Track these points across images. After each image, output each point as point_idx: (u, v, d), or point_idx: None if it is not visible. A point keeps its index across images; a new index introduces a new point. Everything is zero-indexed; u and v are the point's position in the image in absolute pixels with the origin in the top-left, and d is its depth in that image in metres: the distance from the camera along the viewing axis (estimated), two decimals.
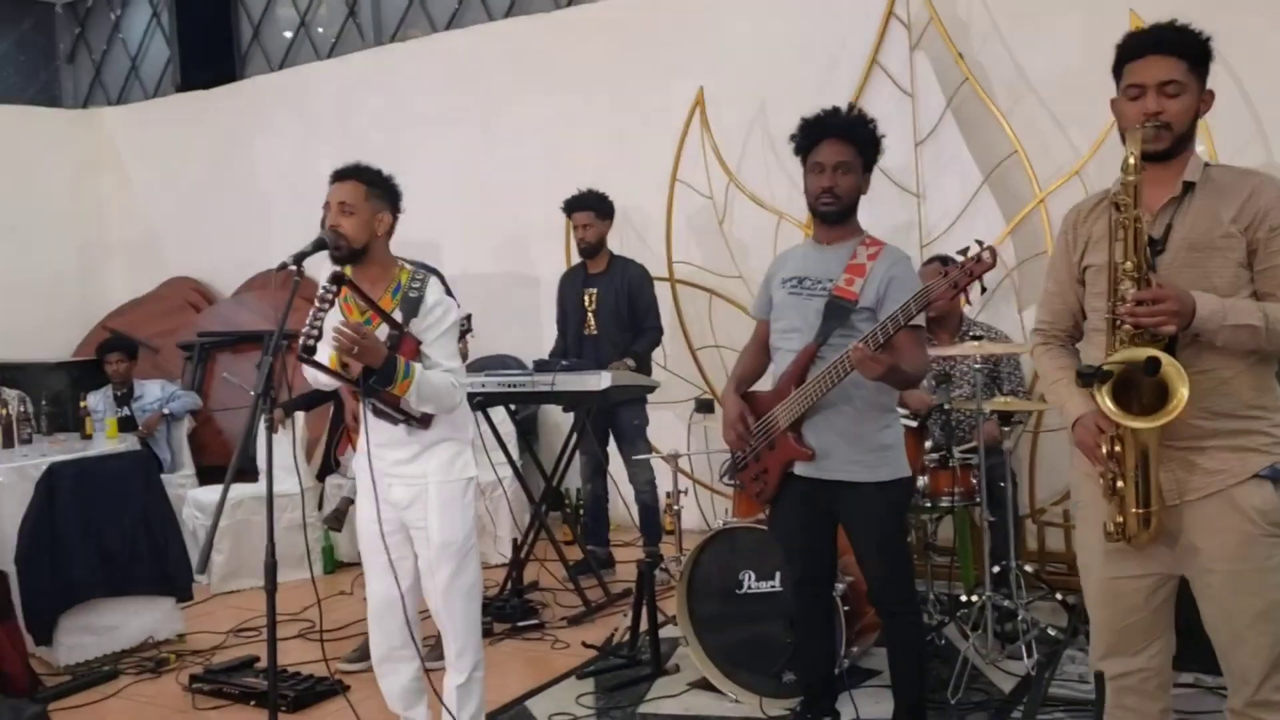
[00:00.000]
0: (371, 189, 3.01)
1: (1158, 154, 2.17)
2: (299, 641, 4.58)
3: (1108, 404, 2.08)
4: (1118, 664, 2.31)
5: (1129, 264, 2.10)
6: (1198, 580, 2.19)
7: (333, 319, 2.87)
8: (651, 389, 5.18)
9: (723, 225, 5.87)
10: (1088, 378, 2.10)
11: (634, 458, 5.24)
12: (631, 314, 5.34)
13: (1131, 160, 2.09)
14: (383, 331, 2.97)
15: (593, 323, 5.39)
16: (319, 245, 2.89)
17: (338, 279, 2.83)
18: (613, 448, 5.44)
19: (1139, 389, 2.09)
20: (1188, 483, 2.15)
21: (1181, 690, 3.38)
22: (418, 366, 2.93)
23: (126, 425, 6.08)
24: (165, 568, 4.56)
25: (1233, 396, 2.14)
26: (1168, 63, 2.15)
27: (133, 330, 7.52)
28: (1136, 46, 2.21)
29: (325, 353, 2.95)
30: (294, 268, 2.73)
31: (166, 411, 6.35)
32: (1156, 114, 2.15)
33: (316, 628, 4.30)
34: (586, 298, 5.41)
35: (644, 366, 5.31)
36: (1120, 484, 2.14)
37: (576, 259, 5.57)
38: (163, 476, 5.47)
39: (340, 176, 3.02)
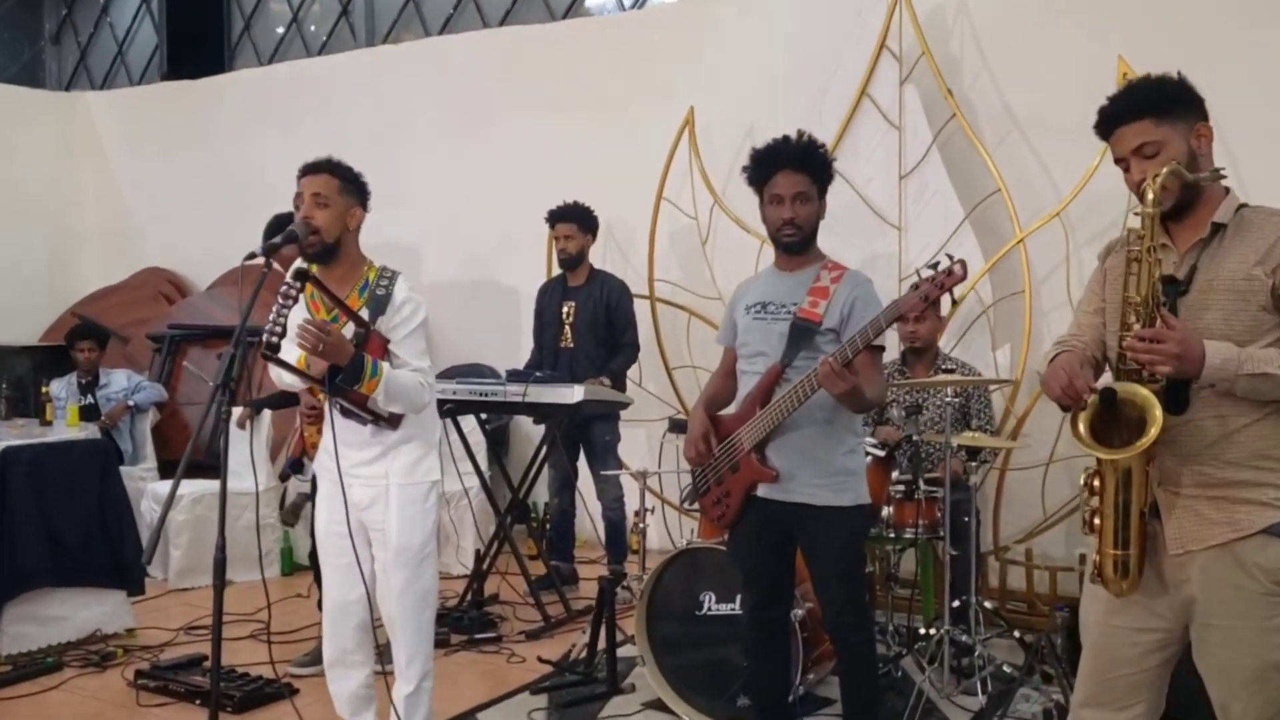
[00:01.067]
0: (345, 183, 2.99)
1: (1168, 212, 2.13)
2: (250, 642, 4.50)
3: (1080, 430, 2.04)
4: (1097, 715, 2.21)
5: (1137, 298, 2.06)
6: (1196, 633, 2.11)
7: (299, 317, 2.83)
8: (624, 405, 5.16)
9: (705, 246, 5.86)
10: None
11: (603, 473, 5.20)
12: (609, 329, 5.32)
13: (1150, 195, 2.06)
14: (350, 330, 2.93)
15: (569, 336, 5.36)
16: (290, 238, 2.85)
17: (302, 275, 2.78)
18: (582, 463, 5.40)
19: (1123, 423, 2.04)
20: (1192, 533, 2.07)
21: None
22: (385, 365, 2.89)
23: (89, 414, 5.99)
24: (118, 560, 4.47)
25: (1244, 445, 2.06)
26: (1135, 128, 2.15)
27: (102, 319, 7.42)
28: (1104, 124, 2.21)
29: (293, 352, 2.91)
30: (263, 259, 2.69)
31: (131, 403, 6.27)
32: (1140, 181, 2.13)
33: (269, 629, 4.23)
34: (565, 310, 5.38)
35: (618, 383, 5.28)
36: (1098, 521, 2.09)
37: (558, 271, 5.55)
38: (124, 469, 5.39)
39: (313, 169, 2.99)
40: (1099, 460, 2.06)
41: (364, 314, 2.95)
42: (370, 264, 3.08)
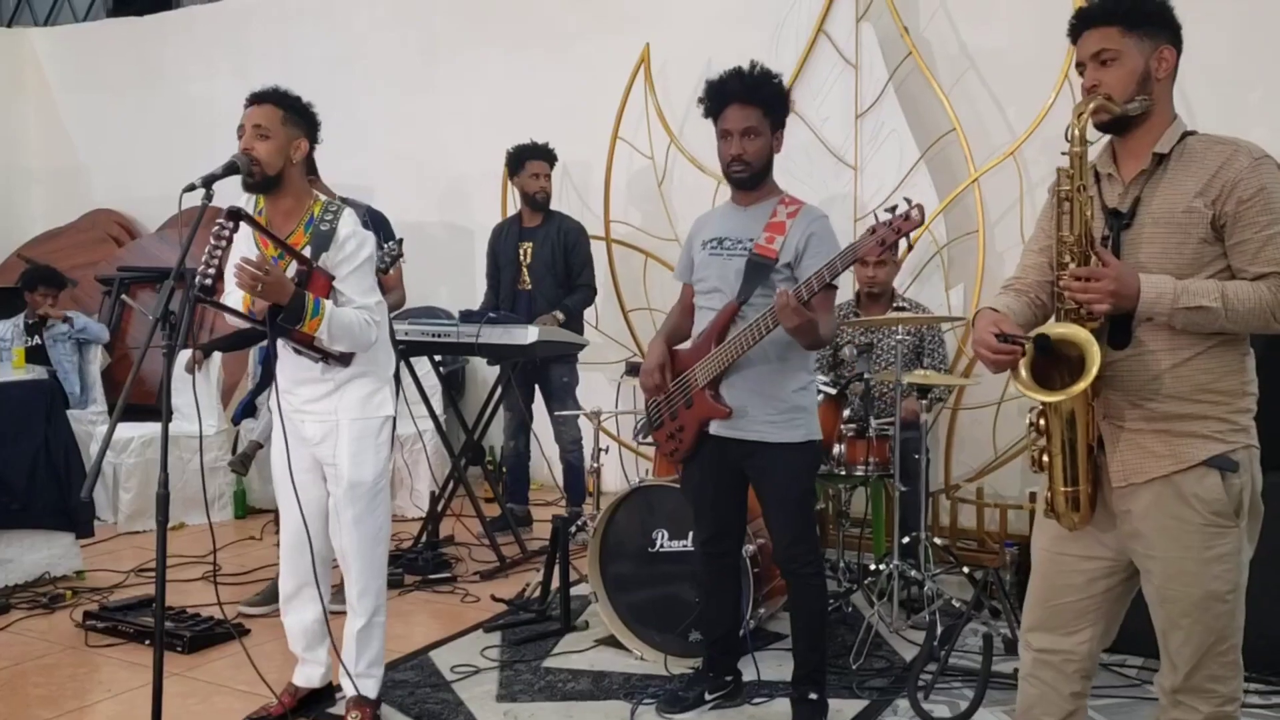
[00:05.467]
0: (289, 114, 2.92)
1: (1103, 125, 2.12)
2: (202, 584, 4.47)
3: (1022, 375, 2.04)
4: (1044, 639, 2.24)
5: (1070, 236, 2.05)
6: (1140, 564, 2.13)
7: (241, 254, 2.77)
8: (580, 347, 5.12)
9: (662, 187, 5.81)
10: (1006, 342, 2.06)
11: (558, 414, 5.18)
12: (566, 270, 5.26)
13: (1076, 132, 2.05)
14: (294, 268, 2.88)
15: (527, 278, 5.29)
16: (231, 169, 2.79)
17: (234, 214, 2.72)
18: (540, 406, 5.38)
19: (1064, 363, 2.04)
20: (1134, 465, 2.09)
21: None
22: (328, 304, 2.85)
23: (36, 355, 5.88)
24: (65, 502, 4.42)
25: (1187, 379, 2.05)
26: (1100, 33, 2.12)
27: (50, 261, 7.25)
28: (1075, 28, 2.18)
29: (237, 291, 2.86)
30: (202, 190, 2.63)
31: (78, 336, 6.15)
32: (1093, 87, 2.11)
33: (221, 571, 4.21)
34: (521, 251, 5.32)
35: (575, 324, 5.24)
36: (1047, 459, 2.10)
37: (513, 211, 5.47)
38: (73, 412, 5.32)
39: (257, 100, 2.93)
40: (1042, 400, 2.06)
41: (307, 251, 2.90)
42: (316, 197, 3.02)
